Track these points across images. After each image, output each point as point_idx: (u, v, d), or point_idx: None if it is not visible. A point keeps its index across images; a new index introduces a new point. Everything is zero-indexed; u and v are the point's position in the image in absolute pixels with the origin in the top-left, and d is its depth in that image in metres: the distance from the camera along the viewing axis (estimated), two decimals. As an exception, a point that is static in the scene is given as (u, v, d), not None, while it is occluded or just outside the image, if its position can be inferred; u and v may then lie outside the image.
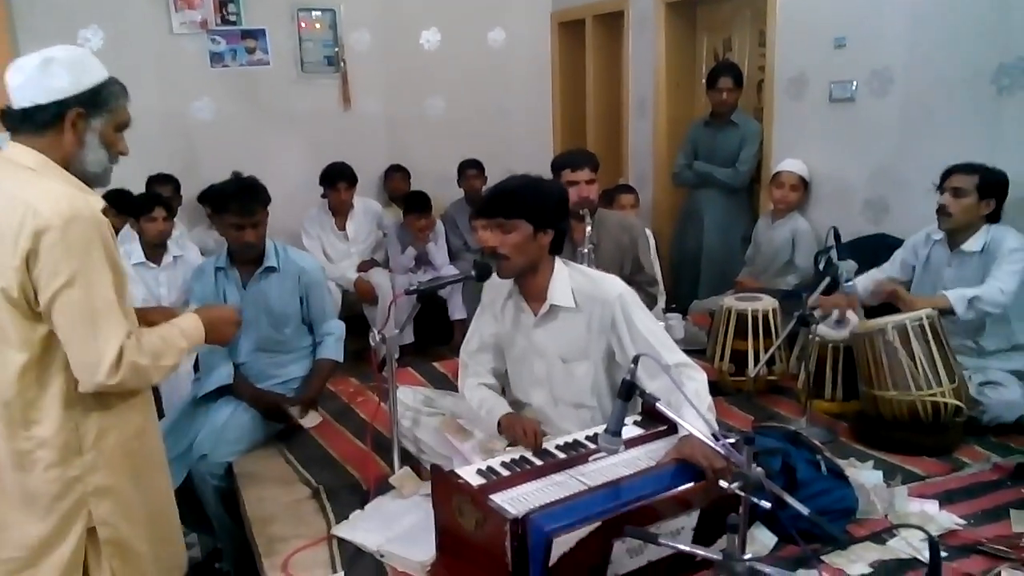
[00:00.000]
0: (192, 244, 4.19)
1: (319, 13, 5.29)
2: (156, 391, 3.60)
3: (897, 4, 3.45)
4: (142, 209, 3.86)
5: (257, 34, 5.15)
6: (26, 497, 1.63)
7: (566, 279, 2.23)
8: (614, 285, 2.22)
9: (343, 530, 2.05)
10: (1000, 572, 1.80)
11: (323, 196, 4.90)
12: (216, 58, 5.10)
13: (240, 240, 2.66)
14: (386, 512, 2.11)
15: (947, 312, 2.62)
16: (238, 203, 2.64)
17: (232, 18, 5.08)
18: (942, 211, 2.78)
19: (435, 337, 4.87)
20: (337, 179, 4.81)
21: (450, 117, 5.76)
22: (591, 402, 2.25)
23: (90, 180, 1.71)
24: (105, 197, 1.77)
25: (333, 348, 2.84)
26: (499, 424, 2.18)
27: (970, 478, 2.30)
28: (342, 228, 4.95)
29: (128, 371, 1.62)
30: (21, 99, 1.61)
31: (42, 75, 1.61)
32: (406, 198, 5.02)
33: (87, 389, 1.62)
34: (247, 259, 2.73)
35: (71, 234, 1.56)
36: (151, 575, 1.80)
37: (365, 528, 2.04)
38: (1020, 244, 2.69)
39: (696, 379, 2.08)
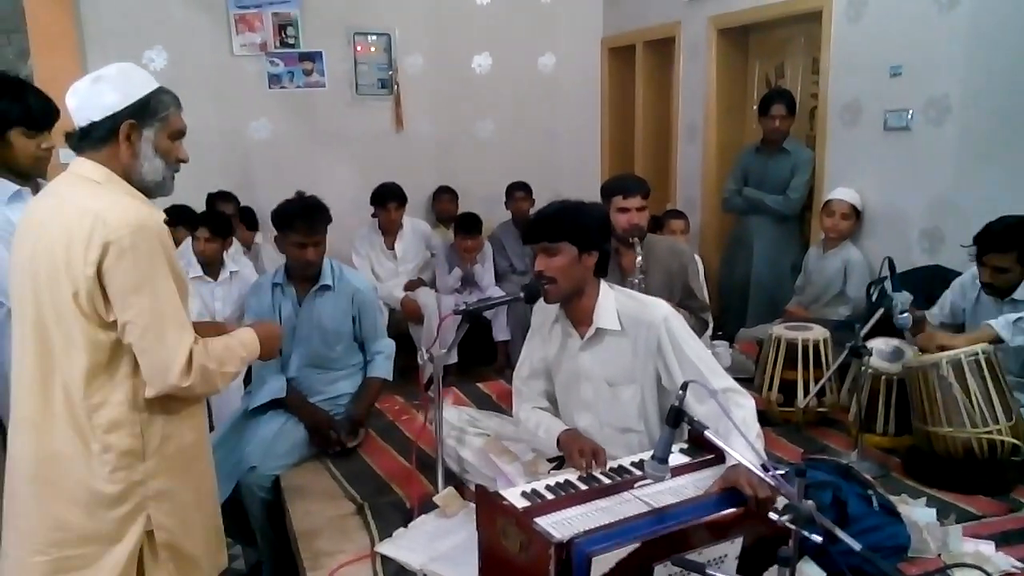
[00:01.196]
0: (248, 260, 4.29)
1: (375, 37, 5.42)
2: (207, 404, 3.70)
3: (955, 33, 3.40)
4: (191, 227, 3.96)
5: (314, 57, 5.29)
6: (89, 497, 1.67)
7: (612, 302, 2.24)
8: (660, 308, 2.21)
9: (387, 547, 2.06)
10: (1060, 619, 1.74)
11: (373, 215, 4.99)
12: (274, 80, 5.25)
13: (302, 258, 2.72)
14: (430, 531, 2.12)
15: (995, 341, 2.56)
16: (303, 222, 2.70)
17: (291, 41, 5.23)
18: (989, 287, 2.77)
19: (479, 358, 4.90)
20: (387, 199, 4.90)
21: (499, 140, 5.83)
22: (638, 426, 2.24)
23: (150, 190, 1.76)
24: (166, 211, 1.84)
25: (383, 366, 2.88)
26: (558, 441, 2.18)
27: (1028, 520, 2.23)
28: (391, 247, 5.03)
29: (198, 375, 1.69)
30: (79, 119, 1.70)
31: (93, 94, 1.68)
32: (457, 219, 5.08)
33: (157, 392, 1.67)
34: (304, 276, 2.79)
35: (139, 244, 1.62)
36: None
37: (408, 546, 2.05)
38: None
39: (744, 406, 2.06)
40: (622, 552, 1.54)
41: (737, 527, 1.69)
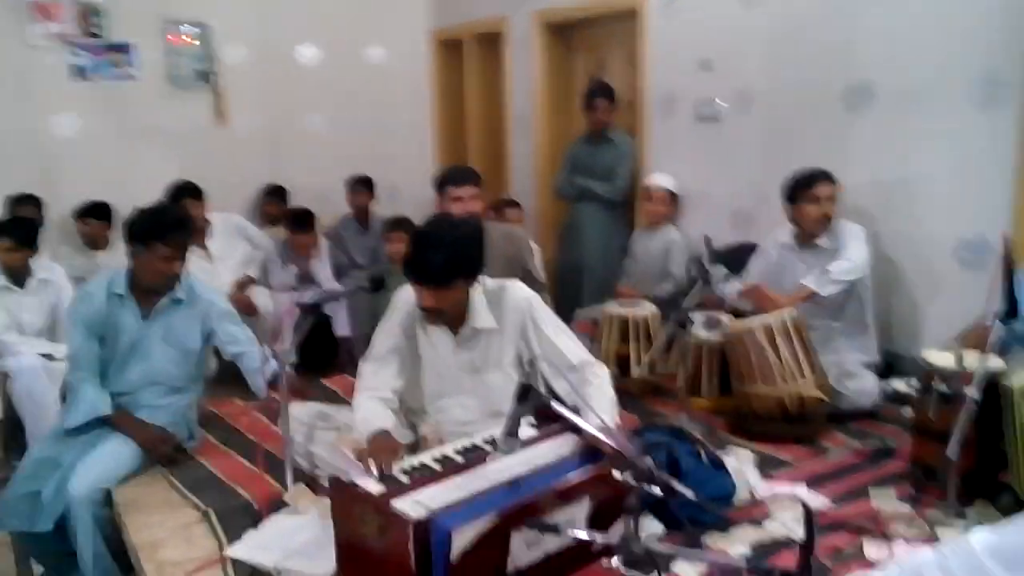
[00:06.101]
0: (59, 266, 3.92)
1: (189, 27, 5.14)
2: (18, 422, 3.38)
3: (756, 29, 3.72)
4: None
5: (123, 47, 4.93)
6: None
7: (482, 299, 2.29)
8: (520, 291, 2.33)
9: (237, 550, 2.00)
10: (863, 544, 1.97)
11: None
12: (78, 72, 4.84)
13: (168, 271, 2.53)
14: (281, 529, 2.08)
15: (810, 297, 2.85)
16: (177, 234, 2.53)
17: (95, 31, 4.85)
18: (824, 220, 3.02)
19: (319, 356, 4.76)
20: (180, 196, 4.50)
21: (330, 133, 5.70)
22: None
23: None
24: None
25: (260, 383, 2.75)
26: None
27: (834, 463, 2.50)
28: (203, 246, 4.70)
29: None
30: None
31: None
32: (288, 215, 4.90)
33: None
34: (152, 288, 2.58)
35: None
36: None
37: (260, 546, 2.00)
38: (858, 226, 3.02)
39: (599, 375, 2.24)
40: (480, 524, 1.59)
41: (583, 491, 1.79)
